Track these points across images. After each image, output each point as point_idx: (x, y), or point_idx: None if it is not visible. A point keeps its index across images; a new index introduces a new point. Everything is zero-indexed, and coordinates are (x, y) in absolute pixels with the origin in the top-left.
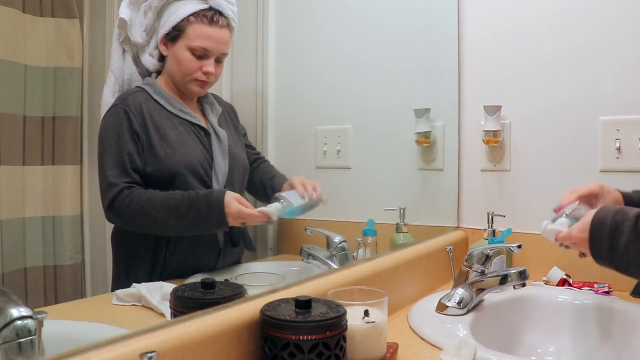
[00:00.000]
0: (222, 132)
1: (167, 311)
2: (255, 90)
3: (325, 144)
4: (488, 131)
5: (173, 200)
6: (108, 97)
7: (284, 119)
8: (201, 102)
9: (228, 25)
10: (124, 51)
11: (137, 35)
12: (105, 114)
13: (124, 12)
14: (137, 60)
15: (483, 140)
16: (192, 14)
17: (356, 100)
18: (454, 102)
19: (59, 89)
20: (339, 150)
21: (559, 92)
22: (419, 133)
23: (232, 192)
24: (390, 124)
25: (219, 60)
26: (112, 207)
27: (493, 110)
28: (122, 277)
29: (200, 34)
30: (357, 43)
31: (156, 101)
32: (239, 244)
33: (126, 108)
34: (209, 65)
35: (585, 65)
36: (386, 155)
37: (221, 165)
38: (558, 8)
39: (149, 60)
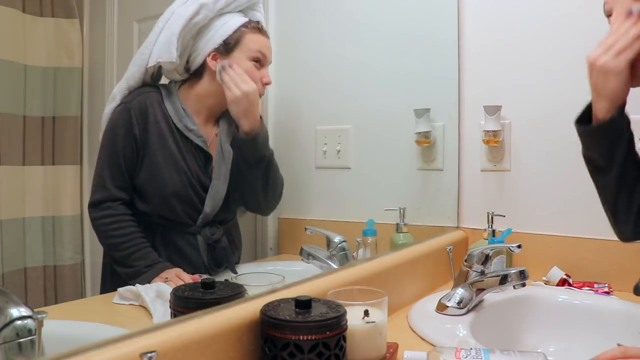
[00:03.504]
0: (229, 154)
1: (156, 312)
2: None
3: (325, 144)
4: (488, 131)
5: (132, 243)
6: (116, 96)
7: (284, 119)
8: (221, 120)
9: (268, 36)
10: (145, 73)
11: (169, 66)
12: (114, 110)
13: (174, 54)
14: (153, 79)
15: (483, 140)
16: (243, 25)
17: (356, 100)
18: (454, 102)
19: (59, 89)
20: (339, 150)
21: (559, 91)
22: (419, 133)
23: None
24: (390, 124)
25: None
26: (93, 208)
27: (493, 110)
28: (107, 281)
29: (257, 42)
30: (357, 43)
31: (165, 109)
32: (222, 265)
33: (131, 110)
34: (267, 76)
35: (586, 65)
36: (386, 155)
37: (220, 189)
38: (558, 8)
39: (175, 76)
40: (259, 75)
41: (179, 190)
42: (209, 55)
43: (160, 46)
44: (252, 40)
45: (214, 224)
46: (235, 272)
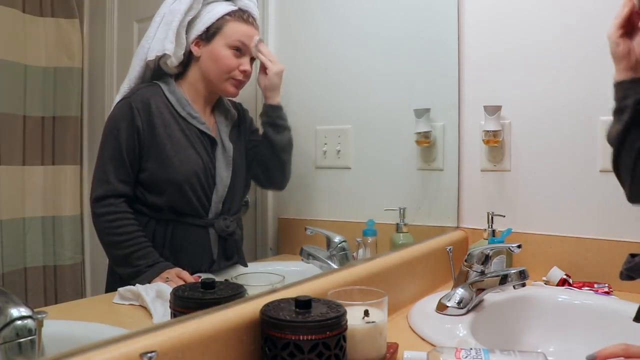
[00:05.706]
0: (229, 143)
1: (156, 312)
2: (256, 90)
3: (325, 144)
4: (488, 131)
5: (134, 242)
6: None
7: None
8: (215, 109)
9: (256, 26)
10: (145, 67)
11: (174, 60)
12: (115, 106)
13: (169, 47)
14: (153, 74)
15: (483, 140)
16: (227, 14)
17: (356, 100)
18: (454, 102)
19: (59, 89)
20: (339, 150)
21: (559, 92)
22: (419, 133)
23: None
24: (390, 124)
25: (252, 60)
26: (96, 203)
27: (493, 110)
28: (116, 279)
29: (237, 31)
30: (357, 42)
31: (167, 99)
32: (233, 258)
33: (132, 103)
34: (247, 64)
35: (586, 65)
36: (386, 155)
37: (223, 176)
38: (559, 8)
39: (172, 70)
40: (237, 63)
41: (191, 176)
42: (192, 42)
43: (157, 41)
44: (233, 29)
45: (225, 215)
46: (246, 265)
